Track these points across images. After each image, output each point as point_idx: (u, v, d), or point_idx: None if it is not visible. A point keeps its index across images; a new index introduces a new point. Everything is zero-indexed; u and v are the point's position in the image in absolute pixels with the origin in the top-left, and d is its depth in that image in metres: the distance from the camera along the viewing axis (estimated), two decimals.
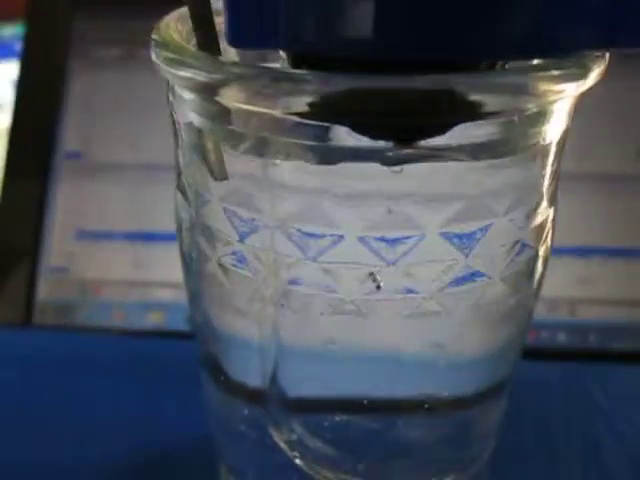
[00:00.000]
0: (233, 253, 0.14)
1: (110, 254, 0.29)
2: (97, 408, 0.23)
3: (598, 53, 0.12)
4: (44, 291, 0.29)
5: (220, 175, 0.13)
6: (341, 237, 0.13)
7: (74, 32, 0.32)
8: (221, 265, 0.14)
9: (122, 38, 0.31)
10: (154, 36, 0.13)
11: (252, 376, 0.16)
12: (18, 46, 0.32)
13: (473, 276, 0.13)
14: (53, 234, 0.30)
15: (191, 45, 0.13)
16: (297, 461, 0.16)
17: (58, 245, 0.29)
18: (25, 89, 0.32)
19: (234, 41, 0.11)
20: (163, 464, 0.21)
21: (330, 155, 0.12)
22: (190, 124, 0.13)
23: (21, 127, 0.31)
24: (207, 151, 0.13)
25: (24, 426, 0.22)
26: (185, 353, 0.17)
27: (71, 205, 0.30)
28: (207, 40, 0.13)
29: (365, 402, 0.15)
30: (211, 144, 0.13)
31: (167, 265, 0.29)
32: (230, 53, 0.13)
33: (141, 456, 0.21)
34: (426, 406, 0.15)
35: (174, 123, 0.14)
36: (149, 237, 0.29)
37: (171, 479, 0.20)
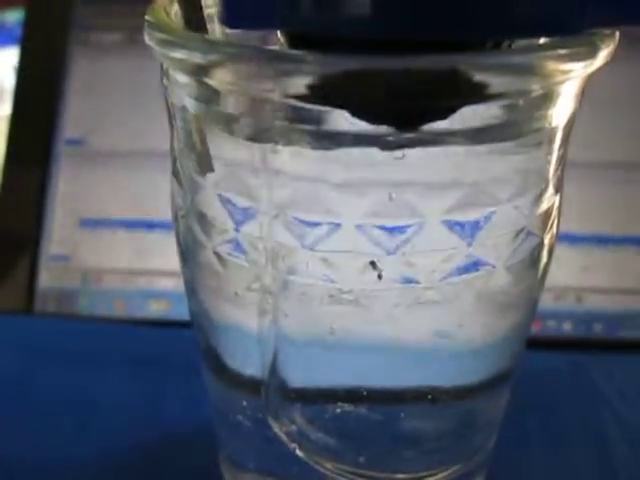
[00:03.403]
0: (229, 241, 0.13)
1: (112, 242, 0.29)
2: (98, 397, 0.23)
3: (607, 31, 0.12)
4: (45, 279, 0.29)
5: (204, 168, 0.13)
6: (339, 225, 0.12)
7: (74, 17, 0.31)
8: (217, 254, 0.14)
9: (123, 23, 0.31)
10: (147, 17, 0.13)
11: (251, 366, 0.15)
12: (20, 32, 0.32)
13: (476, 265, 0.13)
14: (54, 222, 0.29)
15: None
16: (297, 452, 0.16)
17: (59, 233, 0.29)
18: (25, 75, 0.31)
19: (230, 22, 0.11)
20: (166, 454, 0.21)
21: (329, 140, 0.12)
22: (184, 108, 0.13)
23: (22, 114, 0.31)
24: (194, 139, 0.13)
25: (24, 414, 0.22)
26: (188, 342, 0.17)
27: (72, 193, 0.30)
28: (193, 20, 0.13)
29: (366, 393, 0.15)
30: (197, 132, 0.13)
31: (169, 253, 0.28)
32: (217, 34, 0.13)
33: (143, 446, 0.21)
34: (429, 396, 0.15)
35: (169, 108, 0.14)
36: (151, 225, 0.29)
37: (173, 469, 0.20)
